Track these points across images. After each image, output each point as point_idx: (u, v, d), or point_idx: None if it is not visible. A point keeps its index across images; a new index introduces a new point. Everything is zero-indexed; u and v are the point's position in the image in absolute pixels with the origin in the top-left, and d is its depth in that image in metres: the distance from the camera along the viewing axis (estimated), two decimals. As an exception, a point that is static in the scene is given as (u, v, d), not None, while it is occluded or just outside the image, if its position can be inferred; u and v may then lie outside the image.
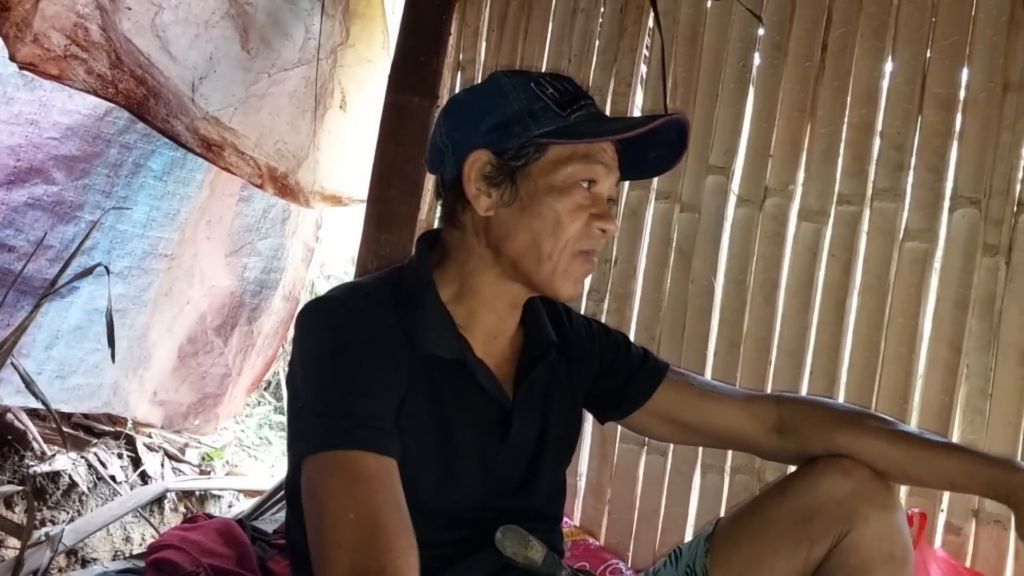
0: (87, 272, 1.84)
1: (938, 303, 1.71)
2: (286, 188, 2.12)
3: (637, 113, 2.12)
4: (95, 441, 2.45)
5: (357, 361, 0.93)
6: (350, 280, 1.17)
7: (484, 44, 2.33)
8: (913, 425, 1.71)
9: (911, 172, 1.76)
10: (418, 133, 2.20)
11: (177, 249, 2.29)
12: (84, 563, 2.12)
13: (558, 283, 1.00)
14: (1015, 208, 1.66)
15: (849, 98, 1.82)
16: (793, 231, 1.88)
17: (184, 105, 1.88)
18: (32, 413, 2.27)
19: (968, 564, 1.64)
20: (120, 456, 2.49)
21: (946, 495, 1.68)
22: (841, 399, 1.79)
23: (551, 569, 1.03)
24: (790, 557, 1.03)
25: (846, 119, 1.83)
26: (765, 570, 1.05)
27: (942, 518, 1.69)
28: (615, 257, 2.14)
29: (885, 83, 1.79)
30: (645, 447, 2.06)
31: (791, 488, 1.08)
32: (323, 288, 3.12)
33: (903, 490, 1.69)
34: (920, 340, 1.73)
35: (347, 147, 2.33)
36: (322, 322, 0.97)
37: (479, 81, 2.29)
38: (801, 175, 1.89)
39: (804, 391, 1.84)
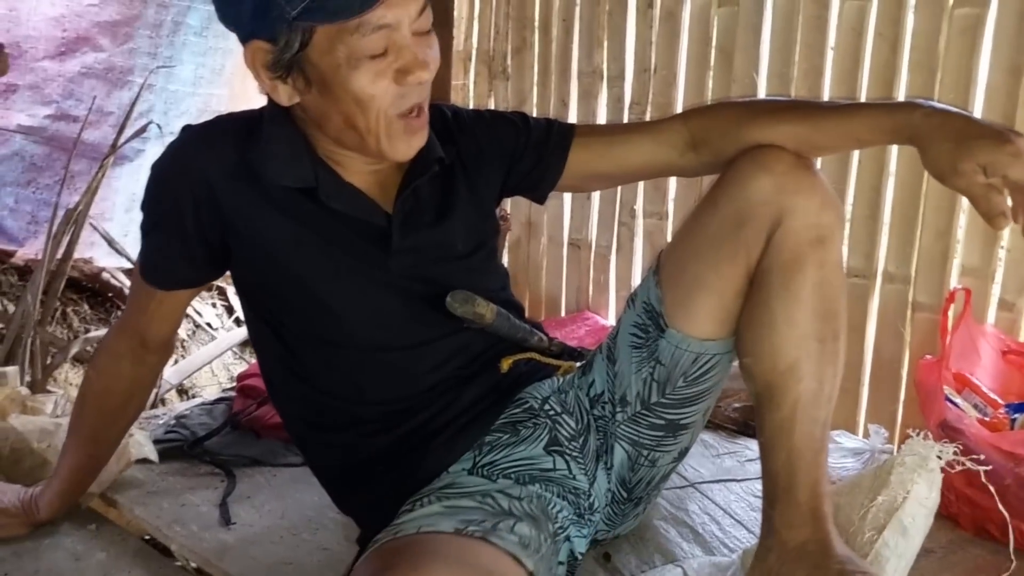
0: (140, 132, 1.94)
1: (991, 73, 1.60)
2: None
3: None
4: (188, 293, 2.66)
5: (160, 196, 1.07)
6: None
7: None
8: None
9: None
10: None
11: (229, 105, 2.36)
12: (191, 399, 2.37)
13: (388, 151, 0.99)
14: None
15: None
16: (836, 13, 1.77)
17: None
18: (127, 272, 2.48)
19: (1022, 339, 1.62)
20: (214, 306, 2.71)
21: (999, 271, 1.64)
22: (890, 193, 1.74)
23: (506, 329, 1.11)
24: (731, 266, 1.03)
25: None
26: (710, 283, 1.05)
27: (996, 293, 1.66)
28: (654, 65, 2.07)
29: None
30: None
31: (720, 198, 1.05)
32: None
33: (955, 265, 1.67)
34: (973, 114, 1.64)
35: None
36: (163, 154, 1.08)
37: None
38: (843, -52, 1.75)
39: (852, 183, 1.79)
